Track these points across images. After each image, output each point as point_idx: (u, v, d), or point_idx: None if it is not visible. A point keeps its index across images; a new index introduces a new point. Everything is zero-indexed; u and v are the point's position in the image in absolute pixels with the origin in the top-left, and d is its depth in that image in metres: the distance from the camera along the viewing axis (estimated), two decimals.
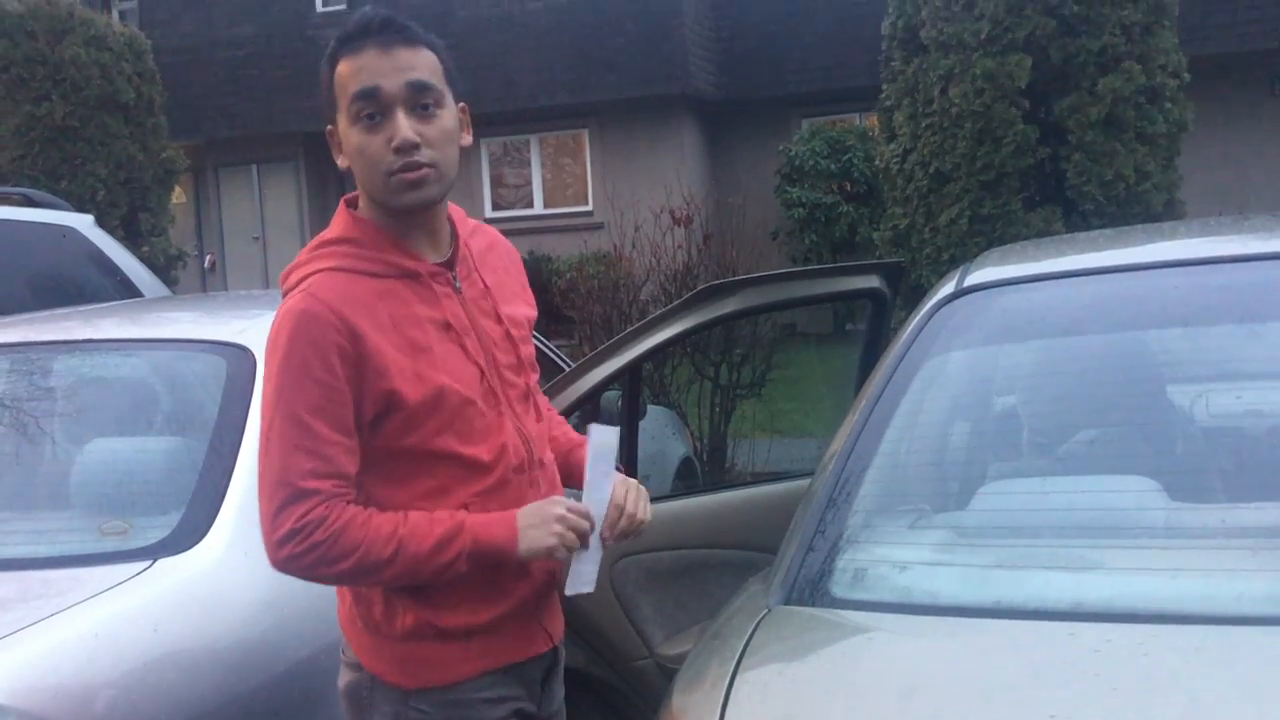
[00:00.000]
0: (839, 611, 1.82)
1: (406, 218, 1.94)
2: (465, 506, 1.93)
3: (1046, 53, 6.63)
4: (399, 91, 1.88)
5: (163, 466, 2.73)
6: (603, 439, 1.99)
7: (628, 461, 3.40)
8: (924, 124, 6.87)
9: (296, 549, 1.83)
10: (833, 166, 13.96)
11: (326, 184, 17.30)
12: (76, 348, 3.06)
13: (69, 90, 9.07)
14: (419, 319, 1.91)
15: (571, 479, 2.13)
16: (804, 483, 3.38)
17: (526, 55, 14.88)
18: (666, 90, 14.61)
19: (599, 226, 13.19)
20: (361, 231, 1.94)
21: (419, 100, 1.90)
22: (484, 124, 15.98)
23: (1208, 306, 2.29)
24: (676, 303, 3.17)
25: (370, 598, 1.98)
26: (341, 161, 1.96)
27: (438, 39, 2.01)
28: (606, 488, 1.98)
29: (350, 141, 1.90)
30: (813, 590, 1.86)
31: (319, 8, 16.46)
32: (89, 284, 5.03)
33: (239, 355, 2.84)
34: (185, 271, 11.73)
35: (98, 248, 5.24)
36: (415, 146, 1.87)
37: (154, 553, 2.38)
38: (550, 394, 3.00)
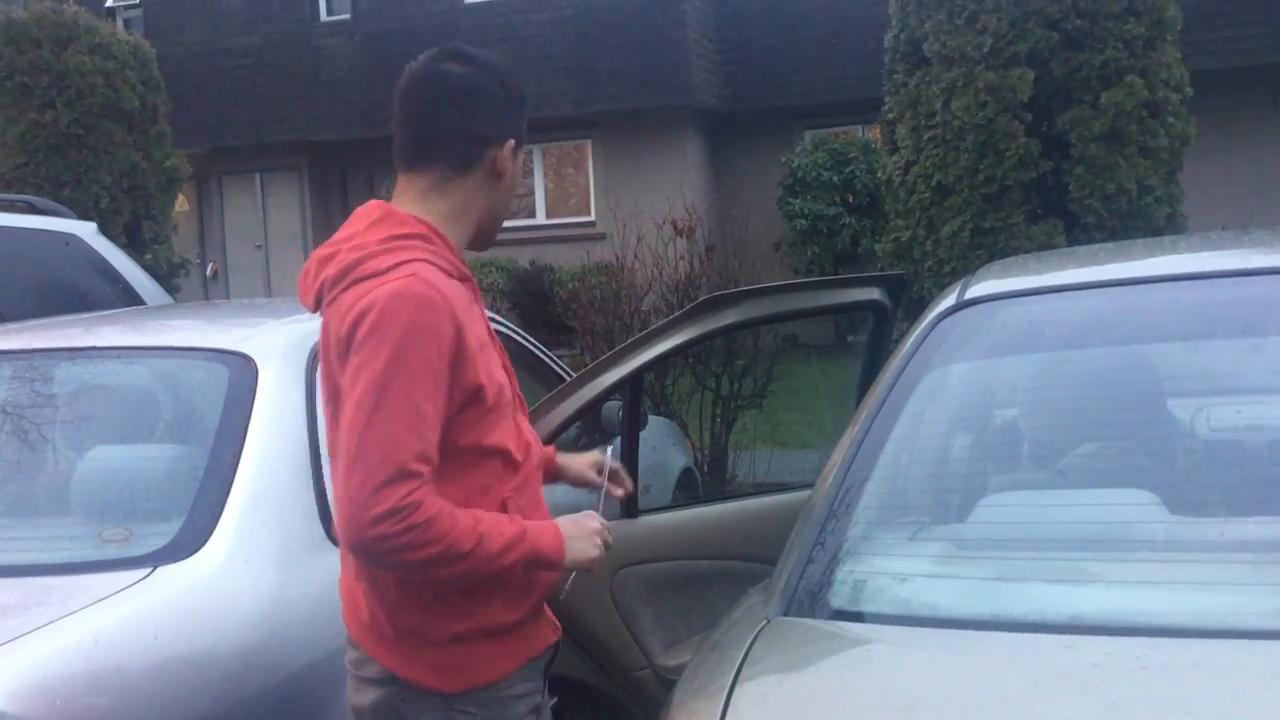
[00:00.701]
0: (838, 623, 1.82)
1: (474, 242, 2.11)
2: (504, 502, 1.98)
3: (1049, 66, 6.65)
4: None
5: (164, 474, 2.73)
6: (614, 460, 2.22)
7: (629, 472, 3.39)
8: (926, 137, 6.88)
9: (392, 528, 1.80)
10: (835, 178, 13.98)
11: (329, 193, 17.33)
12: (79, 355, 3.07)
13: (73, 98, 9.09)
14: (476, 321, 1.99)
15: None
16: (803, 494, 3.39)
17: (530, 66, 14.90)
18: (670, 101, 14.64)
19: (601, 237, 13.21)
20: (430, 231, 2.00)
21: None
22: None
23: (1209, 321, 2.29)
24: (678, 313, 3.17)
25: (407, 605, 1.96)
26: (509, 175, 2.09)
27: None
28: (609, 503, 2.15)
29: (519, 172, 2.13)
30: (812, 602, 1.86)
31: (323, 17, 16.50)
32: (92, 291, 5.03)
33: (241, 363, 2.85)
34: (188, 279, 11.75)
35: (101, 255, 5.25)
36: None
37: (154, 560, 2.38)
38: (552, 404, 3.00)
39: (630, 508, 3.17)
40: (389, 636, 1.99)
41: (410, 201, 2.04)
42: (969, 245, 6.71)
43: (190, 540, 2.44)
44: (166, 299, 5.68)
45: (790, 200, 14.13)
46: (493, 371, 1.99)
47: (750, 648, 1.75)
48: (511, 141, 2.07)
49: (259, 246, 17.30)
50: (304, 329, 3.11)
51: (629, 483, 2.43)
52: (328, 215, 17.28)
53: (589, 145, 15.61)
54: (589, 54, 14.90)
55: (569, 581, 2.13)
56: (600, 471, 2.34)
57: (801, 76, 14.86)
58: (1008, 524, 2.03)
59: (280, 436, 2.72)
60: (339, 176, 17.39)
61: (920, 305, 6.62)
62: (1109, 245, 3.56)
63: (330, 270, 1.97)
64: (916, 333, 2.36)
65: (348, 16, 16.31)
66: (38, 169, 9.07)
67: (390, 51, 15.83)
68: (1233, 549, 1.85)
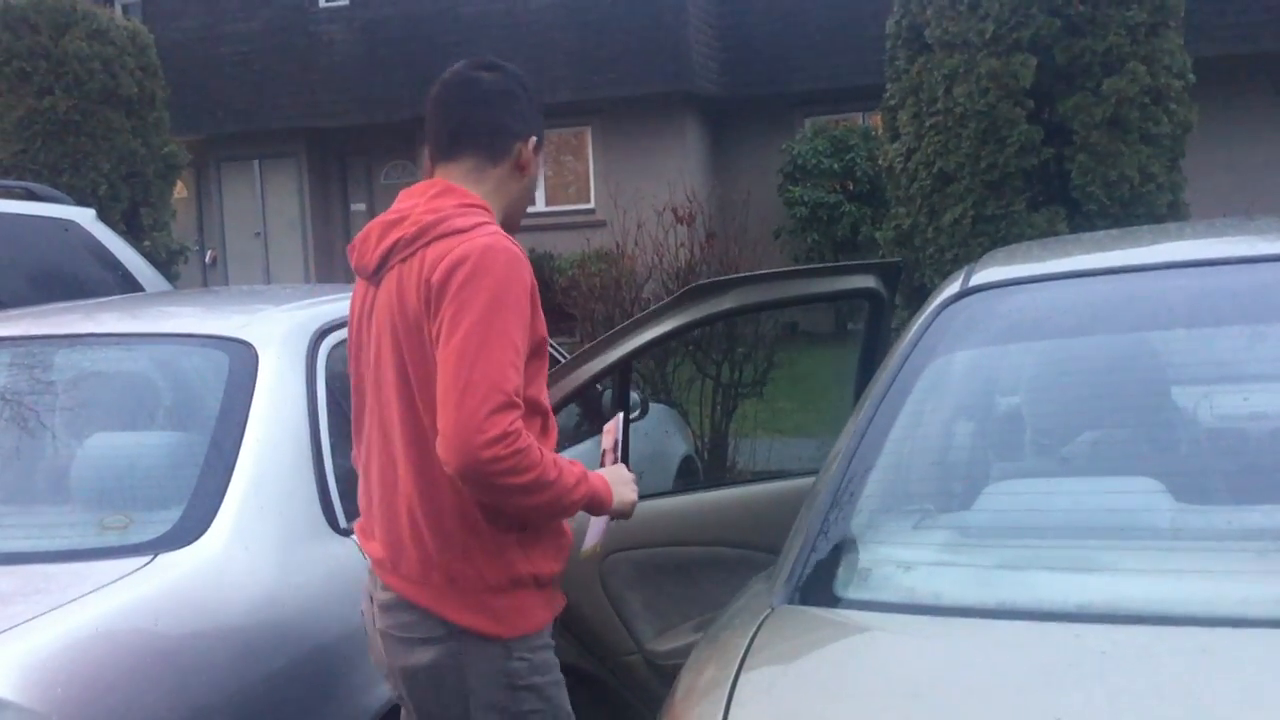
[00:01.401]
0: (843, 611, 1.81)
1: (506, 225, 2.26)
2: None
3: (1051, 53, 6.62)
4: None
5: (164, 461, 2.73)
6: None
7: (620, 459, 3.40)
8: (928, 123, 6.86)
9: (503, 450, 1.95)
10: (835, 166, 13.95)
11: (328, 180, 17.29)
12: (78, 342, 3.06)
13: (71, 84, 9.05)
14: None
15: None
16: (795, 482, 3.40)
17: (529, 52, 14.85)
18: (669, 88, 14.60)
19: (601, 224, 13.18)
20: (489, 206, 2.22)
21: None
22: None
23: (1213, 308, 2.28)
24: (665, 301, 3.17)
25: (470, 552, 2.10)
26: (530, 169, 2.30)
27: None
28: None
29: (537, 173, 2.35)
30: (816, 590, 1.85)
31: (321, 3, 16.44)
32: (90, 278, 5.02)
33: (241, 350, 2.84)
34: (186, 267, 11.72)
35: (99, 242, 5.24)
36: None
37: (155, 547, 2.38)
38: None
39: None
40: (446, 586, 2.11)
41: (456, 183, 2.24)
42: (970, 232, 6.68)
43: (191, 527, 2.44)
44: (165, 286, 5.67)
45: (790, 188, 14.10)
46: (544, 331, 2.17)
47: (754, 636, 1.75)
48: (534, 138, 2.29)
49: (258, 234, 17.27)
50: (304, 315, 3.10)
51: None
52: (326, 202, 17.25)
53: (588, 132, 15.56)
54: (588, 40, 14.86)
55: (601, 536, 2.34)
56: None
57: (801, 63, 14.81)
58: (1013, 512, 2.02)
59: (281, 423, 2.72)
60: (338, 163, 17.36)
61: (921, 293, 6.62)
62: (1113, 232, 3.54)
63: (405, 230, 2.15)
64: (921, 320, 2.34)
65: (346, 3, 16.25)
66: (36, 155, 9.05)
67: (389, 38, 15.78)
68: (1240, 537, 1.84)
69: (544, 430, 2.20)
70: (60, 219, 5.17)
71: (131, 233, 8.59)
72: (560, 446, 2.34)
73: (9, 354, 3.04)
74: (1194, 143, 7.07)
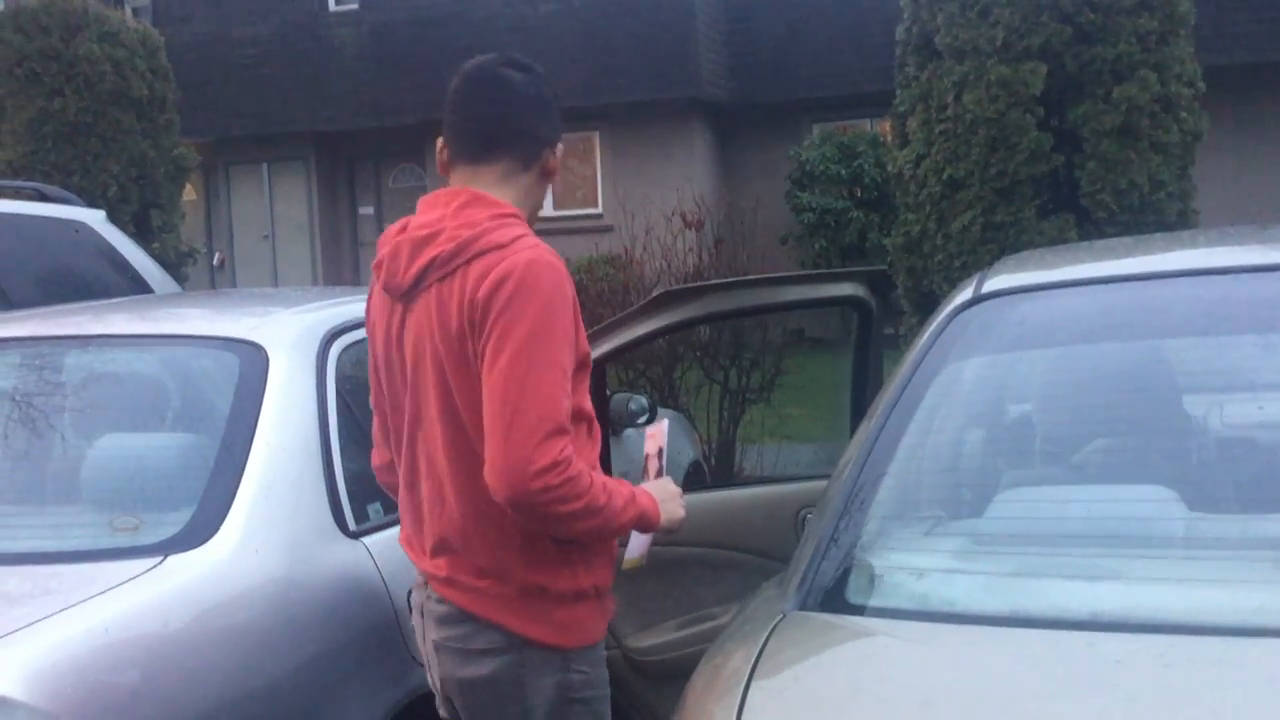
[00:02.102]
0: (855, 618, 1.81)
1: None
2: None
3: (1061, 60, 6.60)
4: None
5: (174, 463, 2.73)
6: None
7: (602, 462, 3.41)
8: (937, 130, 6.83)
9: (554, 479, 1.93)
10: (843, 172, 13.94)
11: (336, 183, 17.32)
12: (88, 343, 3.06)
13: (82, 86, 9.06)
14: None
15: None
16: (784, 487, 3.40)
17: (538, 57, 14.58)
18: (678, 94, 14.61)
19: (609, 229, 13.18)
20: (521, 214, 2.19)
21: None
22: None
23: (1226, 316, 2.27)
24: (635, 307, 3.17)
25: (535, 563, 2.09)
26: (555, 177, 2.28)
27: None
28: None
29: (555, 174, 2.27)
30: (828, 596, 1.85)
31: (332, 7, 16.49)
32: (100, 279, 5.03)
33: (252, 352, 2.84)
34: (195, 269, 11.73)
35: (109, 243, 5.25)
36: None
37: (165, 549, 2.38)
38: None
39: None
40: (510, 597, 2.10)
41: (485, 190, 2.19)
42: (979, 239, 6.66)
43: (201, 529, 2.43)
44: (175, 288, 5.68)
45: (798, 193, 14.10)
46: (585, 344, 2.17)
47: (766, 642, 1.74)
48: (560, 144, 2.28)
49: (266, 237, 17.30)
50: (314, 318, 3.10)
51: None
52: (334, 206, 17.28)
53: (597, 137, 15.57)
54: (597, 46, 14.87)
55: (644, 549, 2.35)
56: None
57: (810, 69, 14.82)
58: (1025, 519, 2.01)
59: (291, 426, 2.71)
60: (346, 167, 17.39)
61: (930, 299, 6.60)
62: (1126, 240, 3.54)
63: (442, 247, 2.08)
64: (933, 326, 2.34)
65: (356, 6, 16.29)
66: (46, 157, 9.06)
67: (398, 42, 15.81)
68: (1254, 545, 1.84)
69: (589, 435, 2.20)
70: (70, 220, 5.18)
71: (141, 235, 8.59)
72: None
73: (20, 355, 3.04)
74: (1204, 151, 7.05)
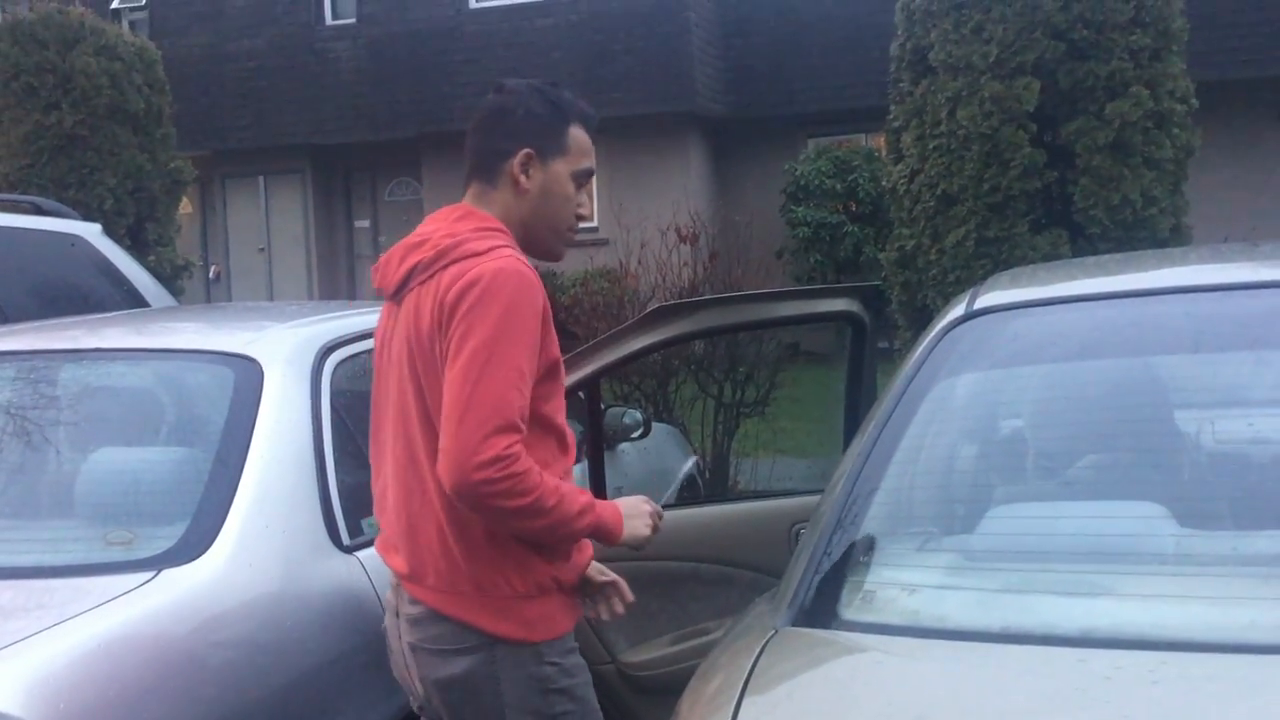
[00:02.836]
0: (847, 634, 1.81)
1: (529, 249, 2.31)
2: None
3: (1055, 77, 6.63)
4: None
5: (168, 477, 2.73)
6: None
7: (593, 479, 3.42)
8: (931, 145, 6.86)
9: (495, 473, 2.00)
10: (838, 186, 13.98)
11: (332, 196, 17.34)
12: (83, 356, 3.06)
13: (78, 99, 9.07)
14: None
15: None
16: (776, 502, 3.40)
17: (535, 71, 14.87)
18: (674, 108, 14.65)
19: (604, 243, 13.19)
20: (506, 229, 2.26)
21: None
22: None
23: (1218, 333, 2.28)
24: (630, 322, 3.18)
25: (495, 561, 2.15)
26: (525, 182, 2.27)
27: None
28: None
29: (563, 187, 2.30)
30: (820, 612, 1.85)
31: (328, 21, 16.52)
32: (96, 293, 5.03)
33: (246, 366, 2.84)
34: (190, 282, 11.72)
35: (105, 257, 5.25)
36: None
37: (159, 563, 2.38)
38: None
39: None
40: (476, 595, 2.16)
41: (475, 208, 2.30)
42: (973, 254, 6.68)
43: (195, 543, 2.43)
44: (170, 301, 5.67)
45: (793, 208, 14.12)
46: (557, 354, 2.22)
47: (758, 658, 1.75)
48: (526, 150, 2.26)
49: (262, 249, 17.31)
50: (309, 332, 3.11)
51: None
52: (331, 219, 17.30)
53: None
54: (593, 60, 14.91)
55: None
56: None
57: (805, 84, 14.87)
58: (1017, 535, 2.02)
59: (285, 440, 2.72)
60: (342, 180, 17.41)
61: (924, 314, 6.62)
62: (1118, 256, 3.55)
63: (425, 254, 2.19)
64: (925, 342, 2.35)
65: (353, 20, 16.33)
66: (42, 170, 9.06)
67: (395, 56, 15.85)
68: (1244, 563, 1.84)
69: (561, 449, 2.25)
70: (66, 234, 5.18)
71: (137, 248, 8.60)
72: None
73: (14, 368, 3.04)
74: (1197, 167, 7.08)
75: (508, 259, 2.13)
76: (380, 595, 2.74)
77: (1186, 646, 1.62)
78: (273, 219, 17.24)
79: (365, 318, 3.48)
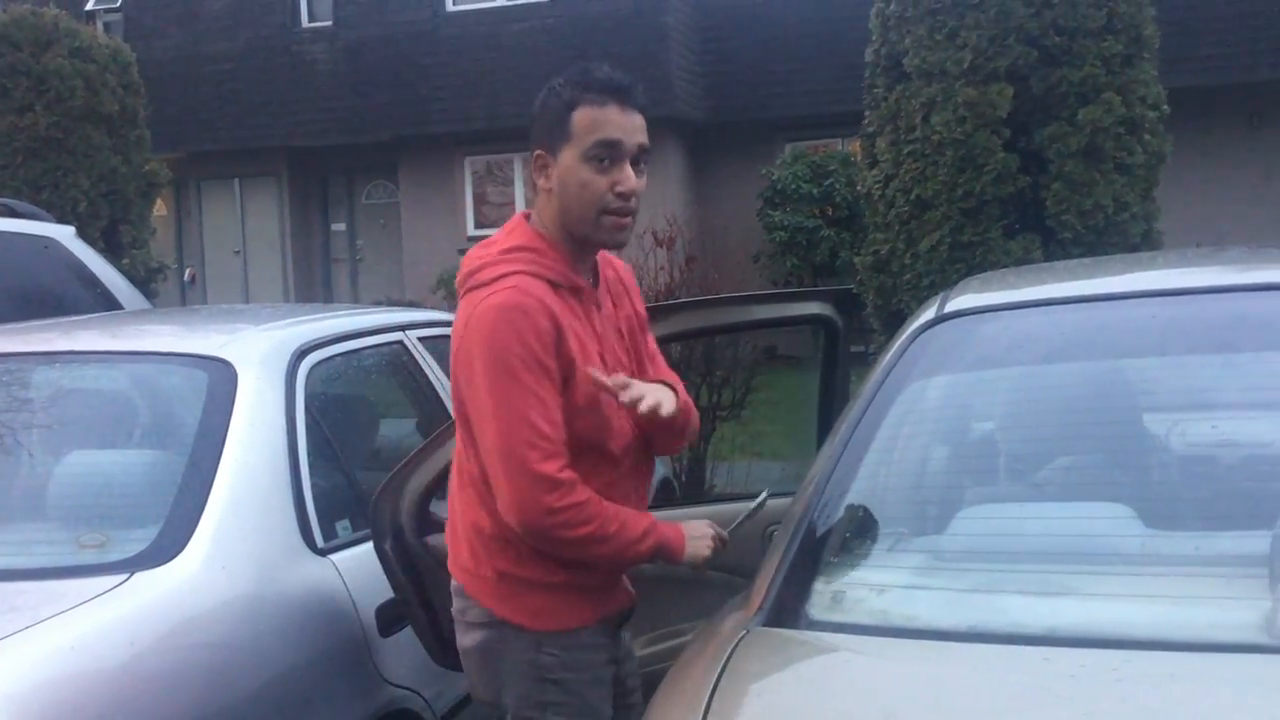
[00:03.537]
0: (817, 634, 1.83)
1: (584, 246, 2.29)
2: (599, 493, 2.21)
3: (1028, 83, 6.68)
4: (632, 149, 2.25)
5: (141, 480, 2.72)
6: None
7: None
8: (906, 151, 6.90)
9: (558, 503, 2.11)
10: (815, 191, 14.03)
11: (309, 199, 17.28)
12: (56, 359, 3.05)
13: (52, 101, 9.03)
14: (578, 326, 2.23)
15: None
16: (748, 504, 3.41)
17: (512, 75, 14.91)
18: (651, 112, 14.49)
19: None
20: (545, 244, 2.25)
21: (641, 159, 2.28)
22: (469, 142, 15.97)
23: (1185, 337, 2.31)
24: None
25: (516, 555, 2.23)
26: (544, 183, 2.26)
27: None
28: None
29: (575, 175, 2.22)
30: (791, 613, 1.87)
31: (304, 23, 16.48)
32: (69, 296, 5.01)
33: (220, 369, 2.84)
34: (165, 285, 11.67)
35: (79, 259, 5.22)
36: (634, 195, 2.24)
37: (131, 566, 2.37)
38: None
39: None
40: (490, 580, 2.27)
41: (533, 218, 2.33)
42: (947, 259, 6.72)
43: (168, 546, 2.43)
44: (144, 304, 5.65)
45: (770, 212, 14.17)
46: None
47: (729, 658, 1.76)
48: (537, 151, 2.28)
49: (237, 252, 17.24)
50: (284, 334, 3.11)
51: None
52: (307, 221, 17.24)
53: None
54: (570, 64, 14.88)
55: None
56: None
57: (782, 89, 14.92)
58: (986, 536, 2.04)
59: (259, 443, 2.72)
60: (319, 183, 17.36)
61: (899, 318, 6.65)
62: (1087, 260, 3.59)
63: (462, 271, 2.28)
64: (896, 345, 2.37)
65: (329, 23, 16.28)
66: (16, 172, 9.01)
67: (371, 58, 15.82)
68: (1208, 563, 1.87)
69: (604, 461, 2.28)
70: (40, 236, 5.15)
71: (111, 250, 8.55)
72: None
73: None
74: (1168, 172, 7.15)
75: (502, 292, 2.15)
76: (355, 597, 2.74)
77: (1150, 645, 1.65)
78: (248, 222, 17.17)
79: (341, 320, 3.48)
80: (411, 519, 2.72)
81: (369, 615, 2.77)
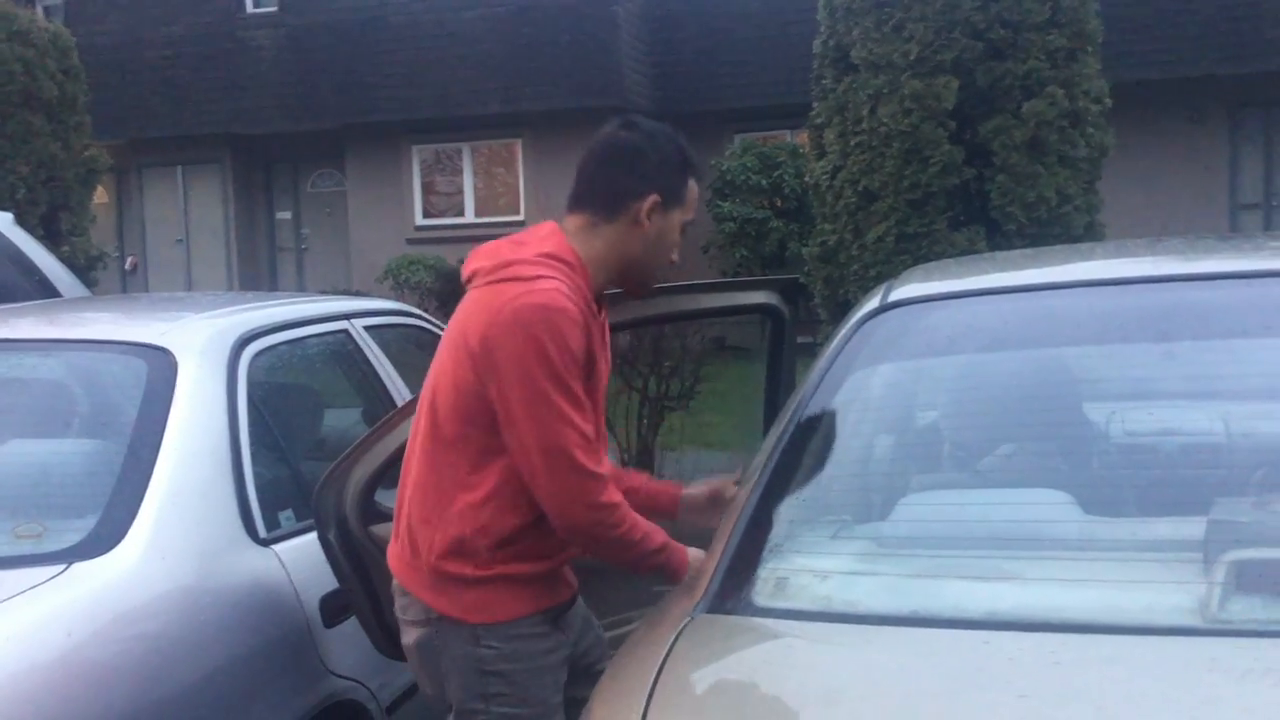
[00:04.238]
0: (760, 620, 1.84)
1: (618, 283, 2.41)
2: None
3: (973, 75, 6.76)
4: None
5: (79, 469, 2.69)
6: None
7: None
8: (853, 142, 6.96)
9: (603, 499, 2.21)
10: (764, 182, 14.07)
11: (252, 187, 17.08)
12: None
13: None
14: (596, 347, 2.29)
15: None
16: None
17: (461, 63, 14.82)
18: (601, 102, 14.63)
19: None
20: (579, 263, 2.32)
21: None
22: (417, 131, 15.85)
23: (1124, 326, 2.34)
24: None
25: (447, 554, 2.27)
26: (645, 224, 2.34)
27: None
28: None
29: (669, 235, 2.39)
30: (735, 599, 1.88)
31: (249, 9, 16.26)
32: (6, 283, 4.91)
33: (159, 357, 2.80)
34: (106, 273, 11.49)
35: (16, 247, 5.13)
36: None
37: (69, 556, 2.34)
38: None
39: None
40: (428, 579, 2.31)
41: (570, 235, 2.36)
42: (894, 250, 6.79)
43: (106, 536, 2.40)
44: (83, 292, 5.56)
45: (719, 203, 14.20)
46: (596, 398, 2.32)
47: (674, 644, 1.76)
48: (654, 196, 2.33)
49: (180, 240, 17.00)
50: (225, 323, 3.07)
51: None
52: (251, 210, 17.05)
53: (519, 144, 15.55)
54: (520, 53, 14.86)
55: None
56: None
57: (731, 80, 14.94)
58: (928, 523, 2.06)
59: (200, 432, 2.69)
60: (263, 170, 17.16)
61: (846, 308, 6.70)
62: (1028, 251, 3.63)
63: (487, 261, 2.30)
64: (840, 335, 2.39)
65: (274, 9, 16.08)
66: None
67: (317, 45, 15.66)
68: (1144, 548, 1.90)
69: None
70: None
71: (50, 238, 8.41)
72: None
73: None
74: (1110, 165, 7.26)
75: (544, 292, 2.18)
76: (298, 588, 2.72)
77: (1087, 628, 1.67)
78: (191, 210, 16.94)
79: (285, 308, 3.44)
80: (356, 509, 2.70)
81: (313, 606, 2.74)
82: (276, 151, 16.81)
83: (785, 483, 2.09)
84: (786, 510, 2.06)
